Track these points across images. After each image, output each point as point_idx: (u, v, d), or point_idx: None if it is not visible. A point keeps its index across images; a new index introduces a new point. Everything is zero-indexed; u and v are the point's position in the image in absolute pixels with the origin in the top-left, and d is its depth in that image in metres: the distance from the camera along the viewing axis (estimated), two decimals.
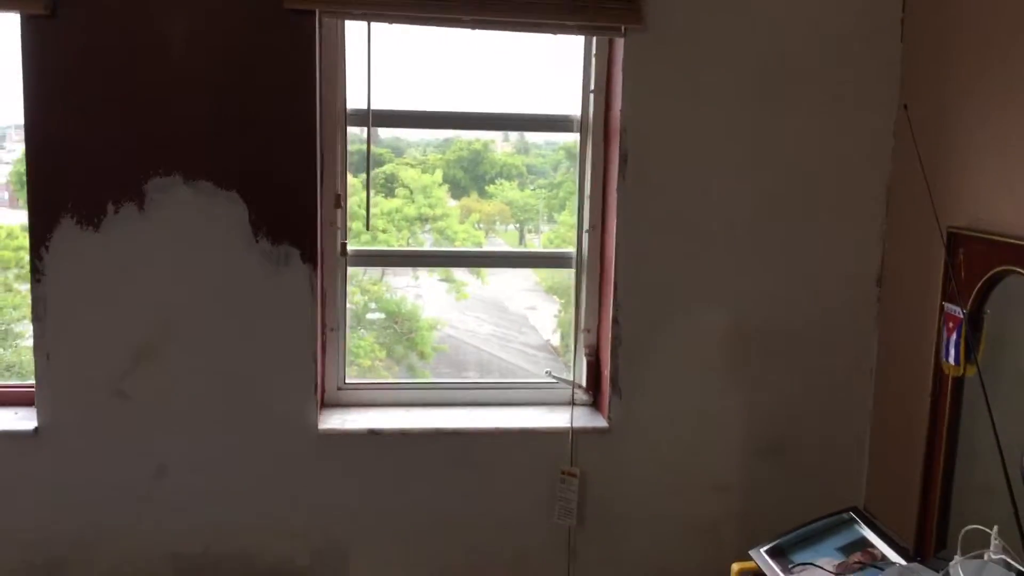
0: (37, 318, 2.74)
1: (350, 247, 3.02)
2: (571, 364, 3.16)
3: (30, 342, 2.82)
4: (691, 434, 3.04)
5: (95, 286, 2.75)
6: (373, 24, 2.85)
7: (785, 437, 3.08)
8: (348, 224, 3.00)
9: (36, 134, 2.68)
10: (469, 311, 3.54)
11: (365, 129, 2.97)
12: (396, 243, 3.34)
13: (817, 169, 2.97)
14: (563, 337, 3.21)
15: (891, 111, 2.95)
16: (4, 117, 2.66)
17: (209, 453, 2.85)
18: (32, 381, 2.81)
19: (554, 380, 3.12)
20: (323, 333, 2.99)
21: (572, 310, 3.15)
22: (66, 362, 2.77)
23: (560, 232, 3.24)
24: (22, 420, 2.82)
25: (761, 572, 2.42)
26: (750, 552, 2.49)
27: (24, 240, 2.81)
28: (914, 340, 2.79)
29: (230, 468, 2.87)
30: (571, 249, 3.14)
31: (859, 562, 2.33)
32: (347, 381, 3.12)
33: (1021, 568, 1.93)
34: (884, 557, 2.33)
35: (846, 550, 2.41)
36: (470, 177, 3.42)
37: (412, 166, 3.39)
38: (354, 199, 2.99)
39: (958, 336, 2.46)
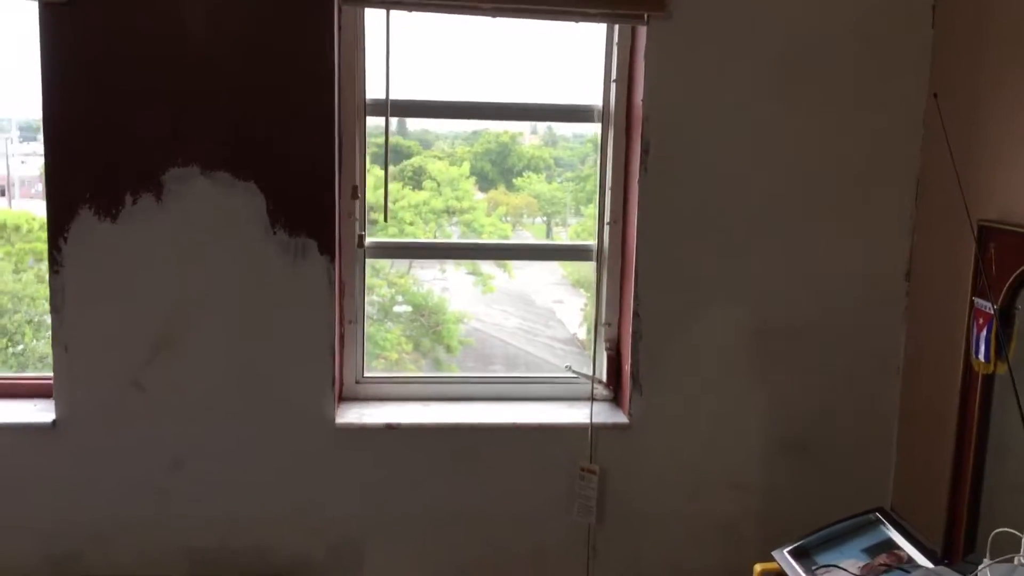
0: (55, 309, 2.74)
1: (371, 239, 3.00)
2: (594, 359, 3.11)
3: None
4: (713, 431, 2.99)
5: (113, 277, 2.74)
6: (393, 13, 2.82)
7: (809, 435, 3.02)
8: (370, 216, 2.97)
9: (54, 124, 2.67)
10: (496, 304, 3.51)
11: (392, 121, 2.94)
12: (423, 236, 3.32)
13: (845, 159, 2.90)
14: (589, 331, 3.17)
15: (921, 101, 2.87)
16: (37, 109, 2.64)
17: (225, 446, 2.84)
18: (51, 373, 2.81)
19: (574, 375, 3.08)
20: (341, 326, 2.96)
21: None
22: (84, 354, 2.76)
23: (587, 225, 3.21)
24: (41, 412, 2.82)
25: (784, 573, 2.37)
26: (773, 553, 2.44)
27: None
28: (943, 336, 2.72)
29: (246, 461, 2.86)
30: (592, 242, 3.09)
31: (885, 564, 2.27)
32: (366, 375, 3.09)
33: None
34: (911, 559, 2.27)
35: (871, 552, 2.35)
36: (498, 170, 3.40)
37: (440, 159, 3.37)
38: (380, 191, 2.96)
39: (988, 332, 2.40)
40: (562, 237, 3.44)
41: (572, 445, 2.95)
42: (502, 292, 3.47)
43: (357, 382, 3.07)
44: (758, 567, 2.47)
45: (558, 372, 3.16)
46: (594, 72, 3.01)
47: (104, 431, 2.80)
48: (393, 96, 2.90)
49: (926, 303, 2.89)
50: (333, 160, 2.77)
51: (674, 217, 2.89)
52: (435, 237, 3.36)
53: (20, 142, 3.41)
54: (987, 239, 2.46)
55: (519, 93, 3.05)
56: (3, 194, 3.45)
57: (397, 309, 3.43)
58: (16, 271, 3.27)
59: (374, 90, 2.91)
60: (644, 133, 2.84)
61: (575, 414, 3.00)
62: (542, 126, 3.45)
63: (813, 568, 2.32)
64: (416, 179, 3.34)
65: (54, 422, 2.78)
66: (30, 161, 3.39)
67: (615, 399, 3.11)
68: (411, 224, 3.30)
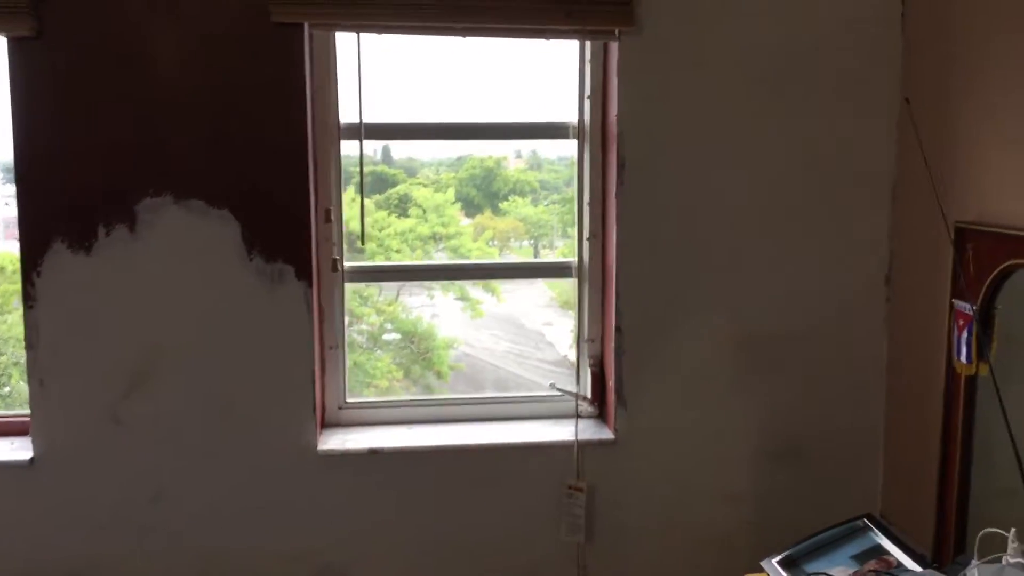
0: (30, 346, 2.71)
1: (349, 263, 2.98)
2: (578, 376, 3.10)
3: None
4: (699, 443, 2.98)
5: (88, 311, 2.71)
6: (365, 36, 2.81)
7: (796, 444, 3.01)
8: (358, 243, 2.96)
9: (25, 158, 2.65)
10: (485, 329, 3.51)
11: (377, 149, 2.93)
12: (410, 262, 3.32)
13: (820, 167, 2.91)
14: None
15: (894, 106, 2.89)
16: None
17: (206, 477, 2.80)
18: (28, 411, 2.77)
19: (559, 393, 3.06)
20: (322, 352, 2.94)
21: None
22: (60, 390, 2.73)
23: (574, 246, 3.20)
24: (17, 450, 2.78)
25: None
26: (762, 563, 2.42)
27: None
28: (926, 339, 2.72)
29: (228, 492, 2.82)
30: (572, 259, 3.08)
31: (874, 570, 2.25)
32: (348, 400, 3.07)
33: None
34: (900, 564, 2.25)
35: (861, 558, 2.34)
36: (483, 195, 3.40)
37: (425, 186, 3.37)
38: (366, 220, 2.95)
39: (969, 334, 2.40)
40: (550, 259, 3.44)
41: (558, 463, 2.93)
42: (491, 316, 3.47)
43: (340, 408, 3.04)
44: None
45: (543, 391, 3.14)
46: (569, 89, 3.01)
47: (82, 467, 2.76)
48: (372, 120, 2.90)
49: (907, 307, 2.89)
50: (308, 185, 2.76)
51: (653, 231, 2.88)
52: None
53: (3, 184, 3.39)
54: (964, 241, 2.46)
55: (496, 113, 3.05)
56: None
57: (386, 337, 3.42)
58: (0, 312, 3.24)
59: (348, 114, 2.91)
60: (620, 148, 2.84)
61: (560, 432, 2.98)
62: (527, 150, 3.46)
63: None
64: (402, 207, 3.34)
65: (31, 460, 2.73)
66: (13, 203, 3.37)
67: (600, 415, 3.09)
68: (398, 252, 3.29)
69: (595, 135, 2.98)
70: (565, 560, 2.96)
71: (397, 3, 2.68)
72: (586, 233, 3.03)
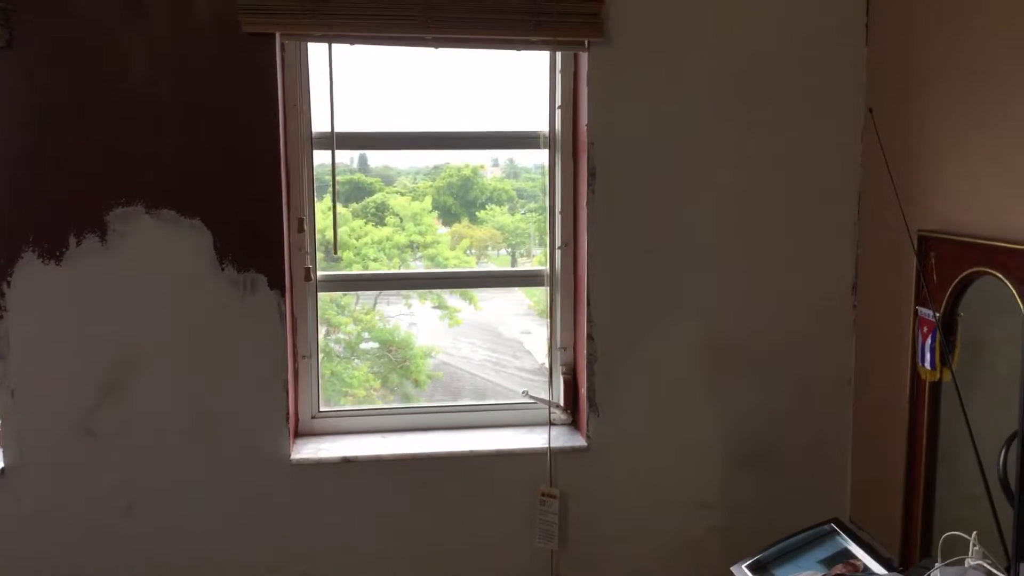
0: (1, 356, 2.69)
1: (326, 272, 2.99)
2: (551, 384, 3.12)
3: None
4: (671, 450, 3.00)
5: (59, 320, 2.70)
6: (336, 47, 2.82)
7: (767, 450, 3.04)
8: (318, 250, 2.97)
9: None
10: (463, 337, 3.51)
11: (354, 158, 2.93)
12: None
13: (787, 177, 2.95)
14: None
15: (859, 116, 2.93)
16: None
17: (180, 488, 2.80)
18: None
19: (532, 400, 3.08)
20: (295, 361, 2.94)
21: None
22: (32, 400, 2.72)
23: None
24: None
25: None
26: (732, 568, 2.45)
27: None
28: (891, 346, 2.76)
29: (202, 502, 2.81)
30: (543, 267, 3.11)
31: (841, 574, 2.28)
32: (322, 409, 3.07)
33: (999, 574, 1.89)
34: (866, 568, 2.28)
35: (828, 562, 2.37)
36: (460, 203, 3.41)
37: (402, 194, 3.38)
38: (343, 229, 2.95)
39: (933, 340, 2.44)
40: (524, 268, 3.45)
41: (532, 471, 2.94)
42: (469, 325, 3.47)
43: (313, 417, 3.05)
44: None
45: (517, 398, 3.16)
46: (540, 99, 3.04)
47: (54, 478, 2.74)
48: (345, 129, 2.91)
49: (873, 314, 2.93)
50: (280, 194, 2.76)
51: (623, 238, 2.91)
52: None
53: None
54: (927, 248, 2.50)
55: (469, 122, 3.07)
56: None
57: (364, 346, 3.42)
58: None
59: (321, 123, 2.91)
60: (591, 157, 2.86)
61: (534, 439, 2.99)
62: (504, 159, 3.47)
63: None
64: (379, 215, 3.34)
65: (2, 471, 2.72)
66: None
67: (573, 423, 3.11)
68: (375, 260, 3.29)
69: (566, 144, 3.01)
70: (539, 566, 2.98)
71: (368, 14, 2.69)
72: (558, 241, 3.05)
